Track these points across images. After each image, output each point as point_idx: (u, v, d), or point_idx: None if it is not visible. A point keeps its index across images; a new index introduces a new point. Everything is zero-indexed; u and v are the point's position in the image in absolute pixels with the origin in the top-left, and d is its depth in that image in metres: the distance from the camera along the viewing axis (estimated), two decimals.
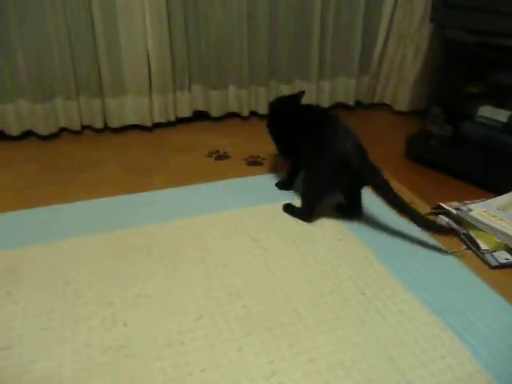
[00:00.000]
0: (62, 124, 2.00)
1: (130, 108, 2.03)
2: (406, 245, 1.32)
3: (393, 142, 2.06)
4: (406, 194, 1.60)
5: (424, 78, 2.33)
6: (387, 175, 1.72)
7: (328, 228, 1.38)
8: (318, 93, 2.32)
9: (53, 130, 1.97)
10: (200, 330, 1.00)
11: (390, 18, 2.29)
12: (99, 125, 2.03)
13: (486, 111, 1.76)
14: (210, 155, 1.87)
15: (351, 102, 2.42)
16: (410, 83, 2.35)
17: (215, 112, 2.19)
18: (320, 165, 1.32)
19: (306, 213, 1.40)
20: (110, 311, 1.04)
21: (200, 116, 2.21)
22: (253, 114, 2.27)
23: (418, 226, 1.29)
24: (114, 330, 0.99)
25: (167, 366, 0.91)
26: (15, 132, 1.92)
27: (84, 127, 2.05)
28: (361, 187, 1.39)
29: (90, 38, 1.87)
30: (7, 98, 1.86)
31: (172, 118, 2.12)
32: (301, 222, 1.40)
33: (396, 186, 1.64)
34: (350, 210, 1.44)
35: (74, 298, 1.08)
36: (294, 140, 1.43)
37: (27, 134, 1.96)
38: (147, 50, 1.95)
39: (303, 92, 1.66)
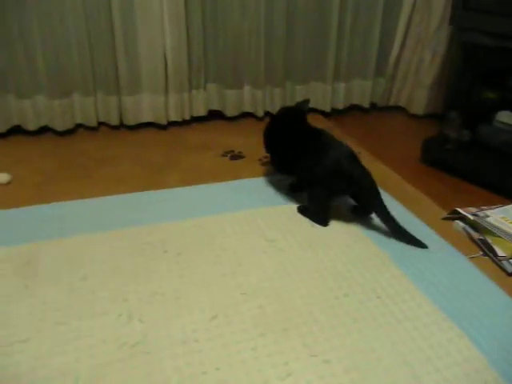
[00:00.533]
0: (79, 120, 2.01)
1: (145, 106, 2.04)
2: (422, 249, 1.31)
3: (408, 146, 2.05)
4: (422, 199, 1.59)
5: (441, 81, 2.31)
6: (402, 179, 1.72)
7: (343, 230, 1.37)
8: (333, 94, 2.32)
9: (69, 125, 1.99)
10: (214, 329, 1.00)
11: (407, 20, 2.28)
12: (115, 122, 2.04)
13: (504, 116, 1.74)
14: (224, 155, 1.87)
15: (366, 104, 2.41)
16: (426, 86, 2.33)
17: (230, 112, 2.20)
18: (317, 176, 1.36)
19: (319, 219, 1.40)
20: (125, 307, 1.05)
21: (215, 115, 2.22)
22: (267, 114, 2.27)
23: (394, 235, 1.34)
24: (130, 326, 1.00)
25: (182, 364, 0.91)
26: (32, 127, 1.94)
27: (100, 124, 2.06)
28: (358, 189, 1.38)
29: (109, 34, 1.89)
30: (26, 93, 1.88)
31: (187, 117, 2.13)
32: (311, 223, 1.39)
33: (410, 190, 1.64)
34: (362, 210, 1.44)
35: (89, 294, 1.09)
36: (291, 159, 1.46)
37: (44, 130, 1.98)
38: (164, 48, 1.96)
39: (308, 101, 1.67)
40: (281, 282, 1.14)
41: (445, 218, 1.47)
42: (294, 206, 1.47)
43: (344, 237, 1.34)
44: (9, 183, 1.58)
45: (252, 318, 1.03)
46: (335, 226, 1.40)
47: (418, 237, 1.35)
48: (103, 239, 1.29)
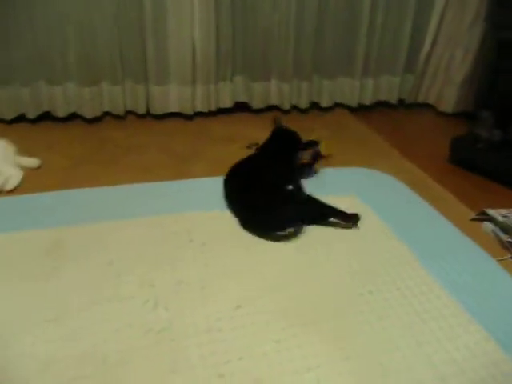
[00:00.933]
0: (107, 108, 2.04)
1: (173, 96, 2.05)
2: (448, 248, 1.29)
3: (436, 144, 2.01)
4: (449, 198, 1.56)
5: (472, 79, 2.26)
6: (429, 178, 1.69)
7: (366, 226, 1.36)
8: (361, 90, 2.29)
9: (97, 113, 2.01)
10: (238, 319, 1.00)
11: (439, 17, 2.24)
12: (142, 110, 2.06)
13: None
14: (249, 147, 1.87)
15: (394, 101, 2.38)
16: (457, 84, 2.29)
17: (256, 104, 2.19)
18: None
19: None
20: (151, 294, 1.06)
21: (240, 107, 2.22)
22: (294, 107, 2.26)
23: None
24: (156, 312, 1.01)
25: (206, 353, 0.92)
26: (62, 114, 1.97)
27: (127, 112, 2.08)
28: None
29: (139, 24, 1.90)
30: (57, 80, 1.91)
31: (213, 108, 2.13)
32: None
33: (438, 190, 1.62)
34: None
35: (116, 278, 1.11)
36: None
37: (73, 117, 2.01)
38: (193, 38, 1.96)
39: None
40: (306, 277, 1.14)
41: (473, 219, 1.44)
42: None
43: (369, 233, 1.33)
44: (38, 168, 1.62)
45: (275, 310, 1.03)
46: (360, 223, 1.38)
47: (444, 236, 1.33)
48: (129, 226, 1.31)
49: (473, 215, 1.46)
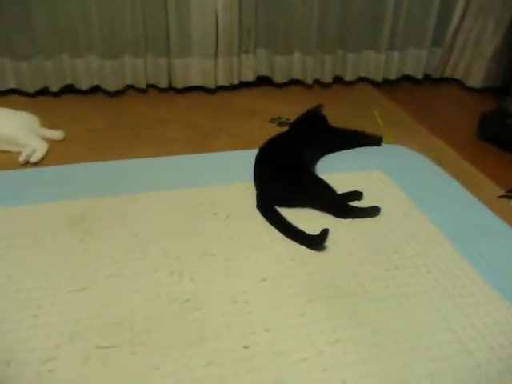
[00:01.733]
0: (129, 81, 2.03)
1: (195, 69, 2.03)
2: (477, 226, 1.26)
3: (463, 120, 1.96)
4: (477, 176, 1.53)
5: (503, 53, 2.18)
6: (457, 155, 1.65)
7: (393, 203, 1.34)
8: (386, 64, 2.23)
9: (119, 86, 2.01)
10: (264, 292, 1.01)
11: None
12: (164, 84, 2.05)
13: None
14: (272, 121, 1.85)
15: (420, 75, 2.31)
16: (486, 58, 2.20)
17: (278, 78, 2.16)
18: None
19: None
20: (177, 265, 1.07)
21: (263, 81, 2.18)
22: (316, 82, 2.22)
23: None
24: (181, 283, 1.02)
25: (232, 322, 0.93)
26: (85, 86, 1.97)
27: (149, 86, 2.07)
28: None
29: None
30: (79, 53, 1.90)
31: (235, 82, 2.11)
32: (365, 194, 1.36)
33: (466, 167, 1.58)
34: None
35: (142, 250, 1.12)
36: None
37: (95, 90, 2.01)
38: (216, 10, 1.92)
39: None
40: (330, 252, 1.13)
41: (501, 196, 1.40)
42: (345, 175, 1.44)
43: (393, 209, 1.30)
44: (62, 140, 1.63)
45: (300, 284, 1.03)
46: (384, 198, 1.36)
47: (473, 215, 1.30)
48: (153, 199, 1.32)
49: (502, 192, 1.42)
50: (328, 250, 1.13)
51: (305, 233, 1.15)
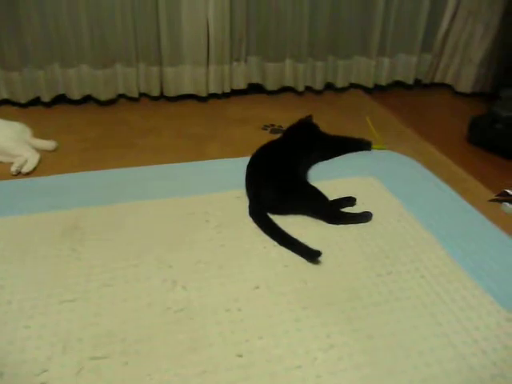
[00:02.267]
0: (121, 90, 2.03)
1: (186, 77, 2.03)
2: (468, 230, 1.27)
3: (454, 125, 1.98)
4: (469, 180, 1.54)
5: (492, 58, 2.20)
6: (448, 159, 1.66)
7: (385, 208, 1.34)
8: (376, 70, 2.24)
9: (111, 95, 2.01)
10: (257, 299, 1.01)
11: None
12: (156, 93, 2.05)
13: None
14: (264, 128, 1.86)
15: (410, 81, 2.33)
16: (476, 63, 2.23)
17: (270, 85, 2.17)
18: None
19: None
20: (170, 274, 1.07)
21: (254, 88, 2.19)
22: (308, 89, 2.23)
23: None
24: (174, 292, 1.02)
25: (225, 331, 0.93)
26: (76, 96, 1.97)
27: (141, 95, 2.07)
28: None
29: (153, 5, 1.87)
30: (71, 62, 1.90)
31: (227, 90, 2.11)
32: (358, 200, 1.36)
33: (457, 171, 1.59)
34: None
35: (134, 259, 1.12)
36: None
37: (87, 99, 2.01)
38: (207, 18, 1.93)
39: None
40: (323, 258, 1.13)
41: (492, 200, 1.42)
42: (336, 182, 1.44)
43: (386, 215, 1.31)
44: (54, 150, 1.62)
45: (294, 290, 1.03)
46: (377, 203, 1.36)
47: (465, 219, 1.31)
48: (146, 208, 1.31)
49: (492, 196, 1.44)
50: (321, 257, 1.13)
51: (298, 241, 1.15)
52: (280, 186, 1.29)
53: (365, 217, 1.28)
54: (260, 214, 1.25)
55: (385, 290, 1.04)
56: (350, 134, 1.75)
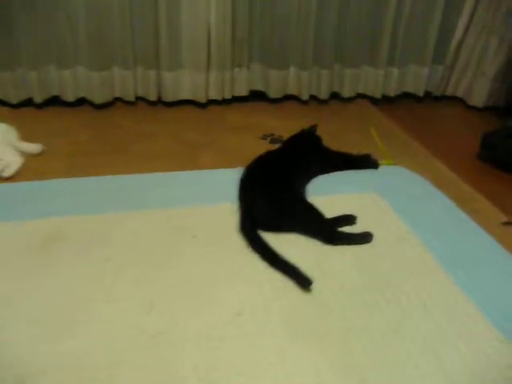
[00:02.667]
0: (117, 94, 1.96)
1: (185, 82, 1.96)
2: (477, 255, 1.16)
3: (465, 140, 1.88)
4: (479, 200, 1.43)
5: (507, 72, 2.10)
6: (458, 177, 1.56)
7: (387, 228, 1.24)
8: (385, 80, 2.15)
9: (107, 99, 1.93)
10: (239, 328, 0.91)
11: (474, 3, 2.07)
12: (153, 97, 1.97)
13: None
14: (264, 138, 1.77)
15: (420, 93, 2.23)
16: (489, 76, 2.13)
17: (273, 93, 2.08)
18: None
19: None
20: (148, 294, 0.98)
21: (256, 96, 2.11)
22: (313, 98, 2.14)
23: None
24: (151, 315, 0.93)
25: (201, 364, 0.83)
26: (71, 98, 1.90)
27: (138, 98, 2.00)
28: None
29: (152, 7, 1.80)
30: (66, 64, 1.83)
31: (228, 96, 2.03)
32: (358, 218, 1.27)
33: (467, 190, 1.49)
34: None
35: (113, 277, 1.03)
36: None
37: (82, 102, 1.94)
38: (208, 22, 1.86)
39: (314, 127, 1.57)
40: (316, 282, 1.03)
41: (505, 223, 1.31)
42: (334, 198, 1.35)
43: (387, 234, 1.21)
44: (40, 154, 1.54)
45: (281, 318, 0.94)
46: (378, 221, 1.27)
47: (474, 242, 1.21)
48: (132, 219, 1.23)
49: (505, 218, 1.33)
50: (314, 281, 1.03)
51: (290, 264, 1.05)
52: (274, 202, 1.20)
53: (364, 238, 1.18)
54: (251, 231, 1.16)
55: (382, 321, 0.94)
56: (356, 145, 1.66)
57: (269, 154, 1.43)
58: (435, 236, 1.22)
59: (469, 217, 1.32)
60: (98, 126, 1.81)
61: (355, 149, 1.61)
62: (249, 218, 1.19)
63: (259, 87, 2.09)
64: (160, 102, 2.01)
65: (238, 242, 1.15)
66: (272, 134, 1.79)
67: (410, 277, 1.07)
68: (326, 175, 1.48)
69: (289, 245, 1.14)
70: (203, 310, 0.95)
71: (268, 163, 1.36)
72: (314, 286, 1.01)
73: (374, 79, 2.14)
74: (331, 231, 1.18)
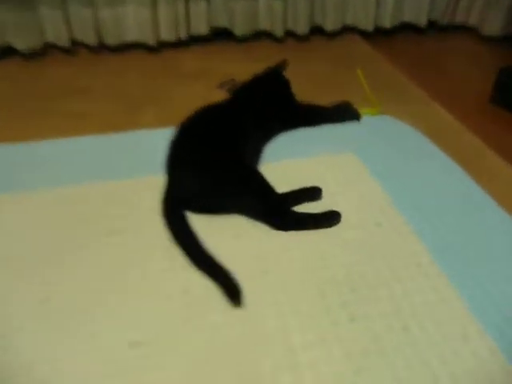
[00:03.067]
0: (49, 39, 1.61)
1: (129, 21, 1.61)
2: (484, 237, 0.86)
3: (475, 79, 1.55)
4: (489, 159, 1.11)
5: None
6: (463, 126, 1.24)
7: (364, 204, 0.94)
8: (377, 9, 1.78)
9: (36, 45, 1.60)
10: (131, 365, 0.64)
11: None
12: (92, 41, 1.63)
13: None
14: (221, 86, 1.42)
15: (423, 23, 1.85)
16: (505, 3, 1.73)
17: (240, 30, 1.72)
18: None
19: None
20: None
21: (220, 35, 1.76)
22: (289, 34, 1.78)
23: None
24: None
25: None
26: None
27: (75, 44, 1.66)
28: None
29: None
30: None
31: (184, 36, 1.68)
32: (325, 191, 0.96)
33: (474, 142, 1.16)
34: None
35: None
36: None
37: (8, 52, 1.60)
38: None
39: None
40: (254, 289, 0.74)
41: None
42: (299, 162, 1.04)
43: (363, 215, 0.91)
44: None
45: (187, 353, 0.66)
46: (353, 197, 0.96)
47: (480, 215, 0.91)
48: (35, 201, 0.94)
49: None
50: (252, 289, 0.74)
51: (221, 267, 0.76)
52: (201, 170, 0.89)
53: (329, 220, 0.87)
54: (174, 214, 0.86)
55: (349, 338, 0.66)
56: (341, 90, 1.34)
57: (214, 106, 1.10)
58: (427, 210, 0.92)
59: (474, 180, 1.00)
60: (25, 80, 1.49)
61: (339, 97, 1.27)
62: (172, 198, 0.89)
63: (222, 23, 1.72)
64: (104, 48, 1.66)
65: (158, 232, 0.85)
66: (233, 80, 1.45)
67: (389, 273, 0.77)
68: (289, 132, 1.16)
69: (225, 233, 0.84)
70: (90, 339, 0.67)
71: (208, 120, 1.04)
72: (246, 302, 0.72)
73: (365, 7, 1.76)
74: (285, 212, 0.88)
